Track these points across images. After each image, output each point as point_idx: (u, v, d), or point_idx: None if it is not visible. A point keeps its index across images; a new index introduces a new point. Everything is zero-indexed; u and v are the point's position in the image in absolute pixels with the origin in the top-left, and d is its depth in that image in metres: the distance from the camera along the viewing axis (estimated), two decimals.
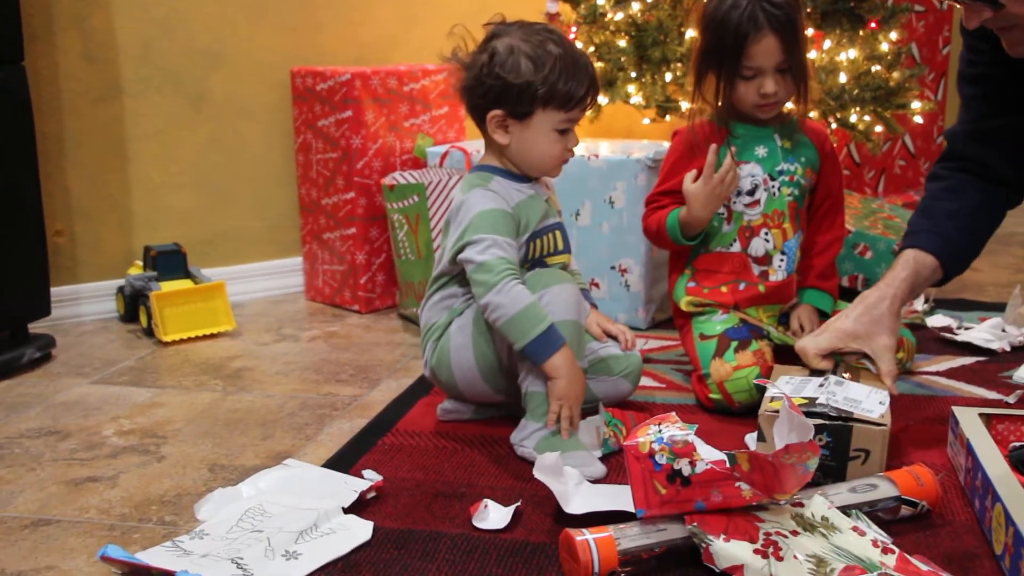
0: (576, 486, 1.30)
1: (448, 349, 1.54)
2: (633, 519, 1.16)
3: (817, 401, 1.35)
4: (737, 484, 1.12)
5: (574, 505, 1.25)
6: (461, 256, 1.47)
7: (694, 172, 1.68)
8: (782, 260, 1.76)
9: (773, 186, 1.75)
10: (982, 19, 1.30)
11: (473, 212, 1.48)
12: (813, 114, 2.26)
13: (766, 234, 1.75)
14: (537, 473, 1.27)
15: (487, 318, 1.45)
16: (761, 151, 1.75)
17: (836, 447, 1.32)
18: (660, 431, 1.17)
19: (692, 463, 1.13)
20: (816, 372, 1.49)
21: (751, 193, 1.74)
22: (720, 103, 1.71)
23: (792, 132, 1.77)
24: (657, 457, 1.14)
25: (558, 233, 1.59)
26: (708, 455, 1.14)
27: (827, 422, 1.32)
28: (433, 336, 1.56)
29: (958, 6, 1.33)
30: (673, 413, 1.23)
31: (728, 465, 1.13)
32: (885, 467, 1.32)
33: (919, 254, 1.53)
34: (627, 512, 1.18)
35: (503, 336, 1.45)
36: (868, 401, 1.37)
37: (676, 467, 1.13)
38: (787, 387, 1.42)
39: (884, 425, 1.32)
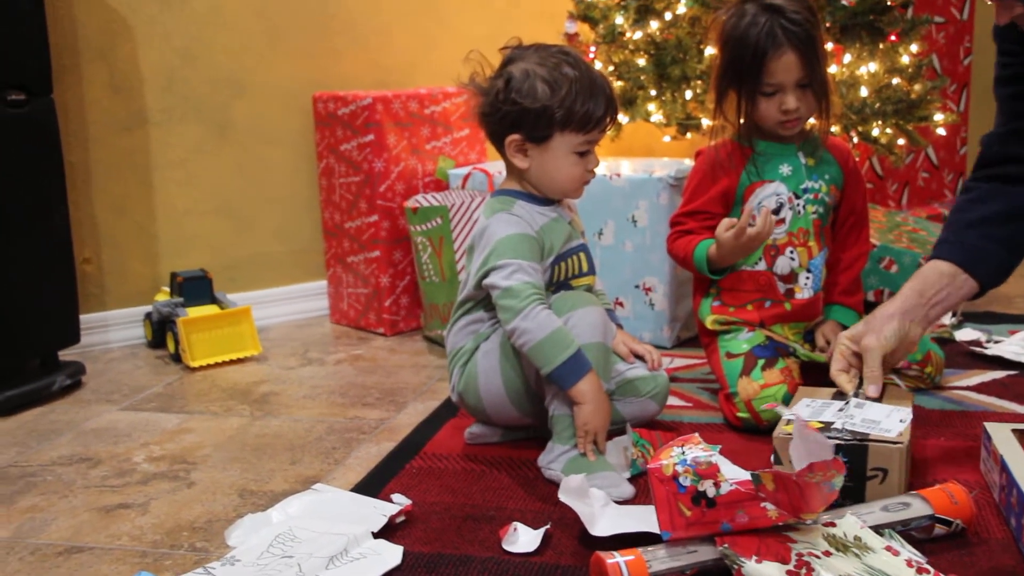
0: (602, 508, 1.29)
1: (476, 374, 1.54)
2: (660, 541, 1.15)
3: (833, 425, 1.34)
4: (763, 504, 1.12)
5: (600, 527, 1.24)
6: (486, 281, 1.47)
7: (727, 221, 1.64)
8: (808, 278, 1.75)
9: (798, 204, 1.74)
10: (1014, 15, 1.29)
11: (497, 237, 1.49)
12: (835, 129, 2.25)
13: (791, 252, 1.74)
14: (562, 495, 1.27)
15: (514, 343, 1.45)
16: (785, 169, 1.74)
17: (853, 467, 1.30)
18: (683, 453, 1.17)
19: (716, 484, 1.13)
20: (839, 393, 1.48)
21: (776, 212, 1.73)
22: (742, 120, 1.71)
23: (815, 149, 1.76)
24: (681, 479, 1.14)
25: (582, 255, 1.59)
26: (733, 475, 1.14)
27: (843, 442, 1.30)
28: (460, 361, 1.57)
29: (989, 1, 1.32)
30: (696, 434, 1.23)
31: (753, 485, 1.12)
32: (905, 485, 1.31)
33: (933, 263, 1.49)
34: (654, 534, 1.17)
35: (530, 361, 1.45)
36: (888, 421, 1.36)
37: (700, 489, 1.13)
38: (806, 411, 1.41)
39: (901, 443, 1.30)
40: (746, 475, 1.14)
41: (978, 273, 1.48)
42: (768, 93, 1.66)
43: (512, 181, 1.58)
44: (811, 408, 1.43)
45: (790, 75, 1.63)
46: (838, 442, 1.30)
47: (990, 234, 1.49)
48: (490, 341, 1.54)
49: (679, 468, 1.14)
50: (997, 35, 1.52)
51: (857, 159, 1.90)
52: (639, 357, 1.65)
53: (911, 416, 1.38)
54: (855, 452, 1.30)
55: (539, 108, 1.46)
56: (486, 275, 1.47)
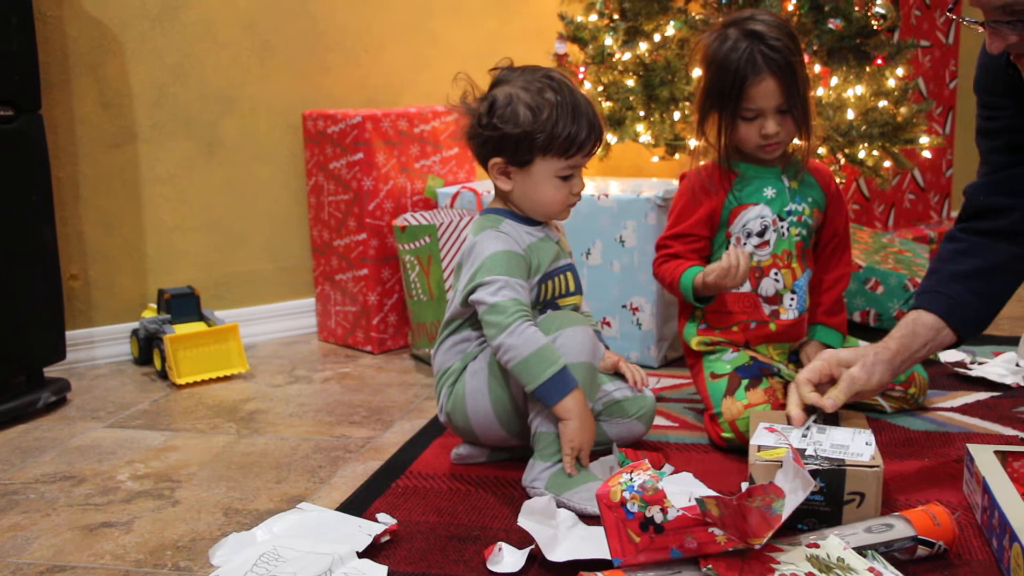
0: (568, 529, 1.28)
1: (463, 394, 1.54)
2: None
3: (806, 453, 1.34)
4: (710, 530, 1.12)
5: (558, 553, 1.23)
6: (473, 297, 1.48)
7: (705, 271, 1.65)
8: (792, 299, 1.76)
9: (782, 227, 1.75)
10: (1007, 43, 1.28)
11: (485, 254, 1.49)
12: (821, 151, 2.27)
13: (776, 274, 1.75)
14: (522, 520, 1.26)
15: (499, 359, 1.45)
16: (770, 192, 1.75)
17: (831, 492, 1.30)
18: (631, 479, 1.18)
19: (663, 510, 1.14)
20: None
21: (761, 234, 1.74)
22: (724, 143, 1.72)
23: (798, 172, 1.78)
24: (629, 505, 1.15)
25: (569, 275, 1.59)
26: (680, 502, 1.15)
27: (819, 467, 1.30)
28: (448, 381, 1.57)
29: (980, 31, 1.31)
30: (645, 460, 1.24)
31: (700, 511, 1.12)
32: (880, 508, 1.31)
33: (921, 314, 1.51)
34: (609, 561, 1.17)
35: (515, 378, 1.45)
36: (855, 444, 1.36)
37: (648, 515, 1.14)
38: (770, 438, 1.40)
39: (877, 466, 1.30)
40: (692, 501, 1.15)
41: (959, 326, 1.51)
42: (748, 118, 1.68)
43: (499, 200, 1.59)
44: (775, 435, 1.42)
45: (769, 101, 1.65)
46: (815, 467, 1.30)
47: (974, 288, 1.51)
48: (478, 361, 1.54)
49: (626, 495, 1.15)
50: (979, 88, 1.54)
51: (843, 181, 1.91)
52: (620, 375, 1.65)
53: (873, 438, 1.39)
54: (833, 477, 1.30)
55: (520, 133, 1.46)
56: (472, 291, 1.48)
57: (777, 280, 1.75)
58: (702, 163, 1.79)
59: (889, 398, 1.79)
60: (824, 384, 1.48)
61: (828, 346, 1.79)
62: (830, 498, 1.30)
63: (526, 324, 1.43)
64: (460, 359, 1.56)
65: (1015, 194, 1.51)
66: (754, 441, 1.39)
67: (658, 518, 1.13)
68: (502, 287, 1.45)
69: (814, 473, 1.29)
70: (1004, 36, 1.28)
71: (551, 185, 1.51)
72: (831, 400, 1.44)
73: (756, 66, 1.62)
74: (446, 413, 1.58)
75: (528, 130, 1.46)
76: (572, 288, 1.60)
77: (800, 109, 1.68)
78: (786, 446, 1.36)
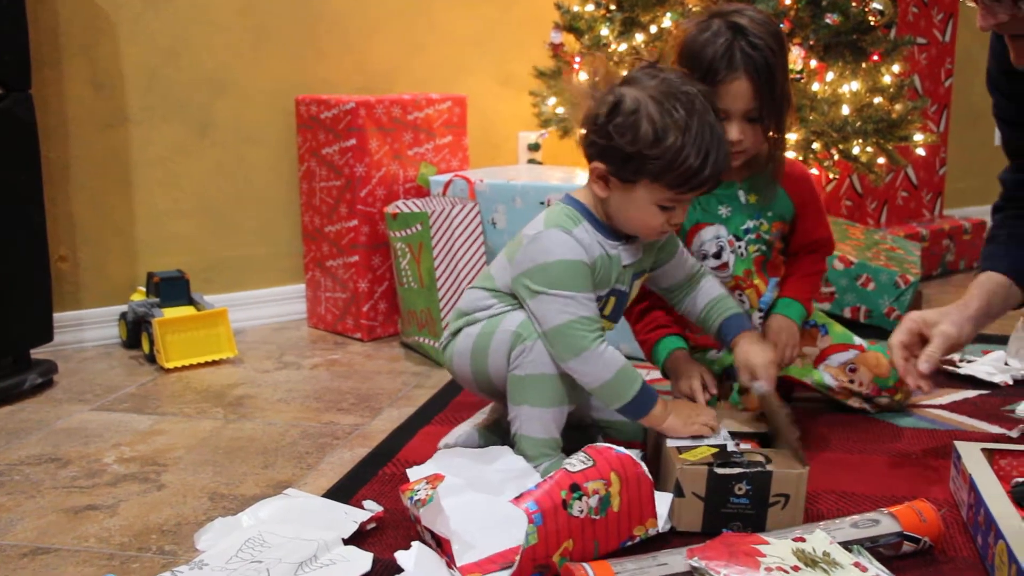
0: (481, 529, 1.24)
1: (454, 349, 1.52)
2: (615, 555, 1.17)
3: (731, 453, 1.33)
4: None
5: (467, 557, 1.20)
6: (532, 304, 1.40)
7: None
8: (760, 316, 1.68)
9: (739, 246, 1.65)
10: (998, 21, 1.28)
11: (552, 259, 1.38)
12: (815, 145, 2.26)
13: (740, 295, 1.67)
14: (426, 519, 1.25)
15: (575, 377, 1.40)
16: (724, 210, 1.64)
17: (755, 494, 1.29)
18: (416, 491, 1.29)
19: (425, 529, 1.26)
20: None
21: (717, 256, 1.65)
22: None
23: (762, 186, 1.63)
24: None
25: (612, 300, 1.47)
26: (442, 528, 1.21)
27: (746, 470, 1.28)
28: (455, 324, 1.53)
29: (972, 4, 1.32)
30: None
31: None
32: (803, 512, 1.30)
33: (990, 275, 1.55)
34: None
35: (588, 392, 1.41)
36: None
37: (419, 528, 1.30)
38: (686, 440, 1.39)
39: (802, 469, 1.30)
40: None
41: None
42: None
43: (588, 195, 1.44)
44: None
45: (737, 103, 1.48)
46: (742, 470, 1.29)
47: None
48: (475, 327, 1.49)
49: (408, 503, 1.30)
50: (992, 86, 1.59)
51: (836, 177, 1.83)
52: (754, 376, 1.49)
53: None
54: (758, 480, 1.29)
55: (633, 152, 1.32)
56: (530, 289, 1.39)
57: (743, 301, 1.67)
58: None
59: (876, 404, 1.78)
60: (914, 345, 1.50)
61: (788, 319, 1.65)
62: (755, 501, 1.29)
63: (603, 346, 1.37)
64: (467, 318, 1.51)
65: None
66: (672, 443, 1.37)
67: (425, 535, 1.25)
68: (569, 303, 1.36)
69: (740, 476, 1.28)
70: (995, 14, 1.28)
71: (649, 212, 1.38)
72: (927, 360, 1.45)
73: (732, 63, 1.46)
74: (445, 353, 1.56)
75: (644, 152, 1.32)
76: (607, 312, 1.48)
77: (772, 119, 1.52)
78: (705, 445, 1.36)
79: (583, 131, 1.40)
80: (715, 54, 1.47)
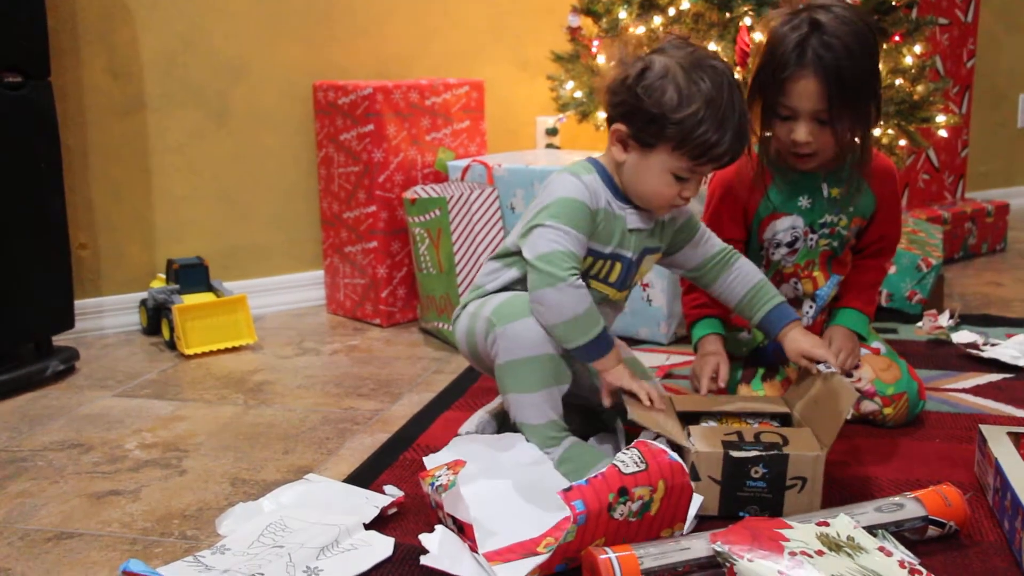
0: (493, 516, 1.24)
1: (456, 329, 1.53)
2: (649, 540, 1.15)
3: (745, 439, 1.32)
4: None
5: (488, 544, 1.20)
6: (530, 236, 1.39)
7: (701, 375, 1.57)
8: (811, 306, 1.67)
9: (812, 239, 1.63)
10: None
11: (556, 196, 1.39)
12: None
13: (795, 283, 1.66)
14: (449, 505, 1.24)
15: (535, 309, 1.38)
16: (804, 202, 1.61)
17: (772, 477, 1.28)
18: (437, 477, 1.28)
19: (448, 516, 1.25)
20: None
21: (791, 245, 1.63)
22: (761, 136, 1.55)
23: (847, 179, 1.58)
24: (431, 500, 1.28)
25: (618, 265, 1.45)
26: (463, 515, 1.21)
27: (763, 453, 1.28)
28: (468, 297, 1.52)
29: None
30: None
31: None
32: (821, 494, 1.29)
33: None
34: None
35: (550, 331, 1.39)
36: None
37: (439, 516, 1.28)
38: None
39: (819, 451, 1.28)
40: None
41: None
42: (783, 115, 1.50)
43: (608, 161, 1.44)
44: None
45: (805, 103, 1.46)
46: (758, 452, 1.28)
47: None
48: (474, 304, 1.49)
49: (428, 490, 1.28)
50: None
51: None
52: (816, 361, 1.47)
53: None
54: (775, 462, 1.28)
55: (656, 114, 1.33)
56: (531, 229, 1.39)
57: (796, 288, 1.66)
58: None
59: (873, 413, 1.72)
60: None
61: (853, 331, 1.65)
62: (772, 484, 1.28)
63: (578, 282, 1.36)
64: (485, 287, 1.50)
65: None
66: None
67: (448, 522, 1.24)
68: (562, 235, 1.36)
69: (756, 459, 1.27)
70: None
71: (664, 180, 1.38)
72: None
73: (802, 59, 1.44)
74: (453, 322, 1.56)
75: (667, 115, 1.32)
76: (612, 278, 1.46)
77: (845, 123, 1.47)
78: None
79: (609, 92, 1.39)
80: (786, 49, 1.45)
